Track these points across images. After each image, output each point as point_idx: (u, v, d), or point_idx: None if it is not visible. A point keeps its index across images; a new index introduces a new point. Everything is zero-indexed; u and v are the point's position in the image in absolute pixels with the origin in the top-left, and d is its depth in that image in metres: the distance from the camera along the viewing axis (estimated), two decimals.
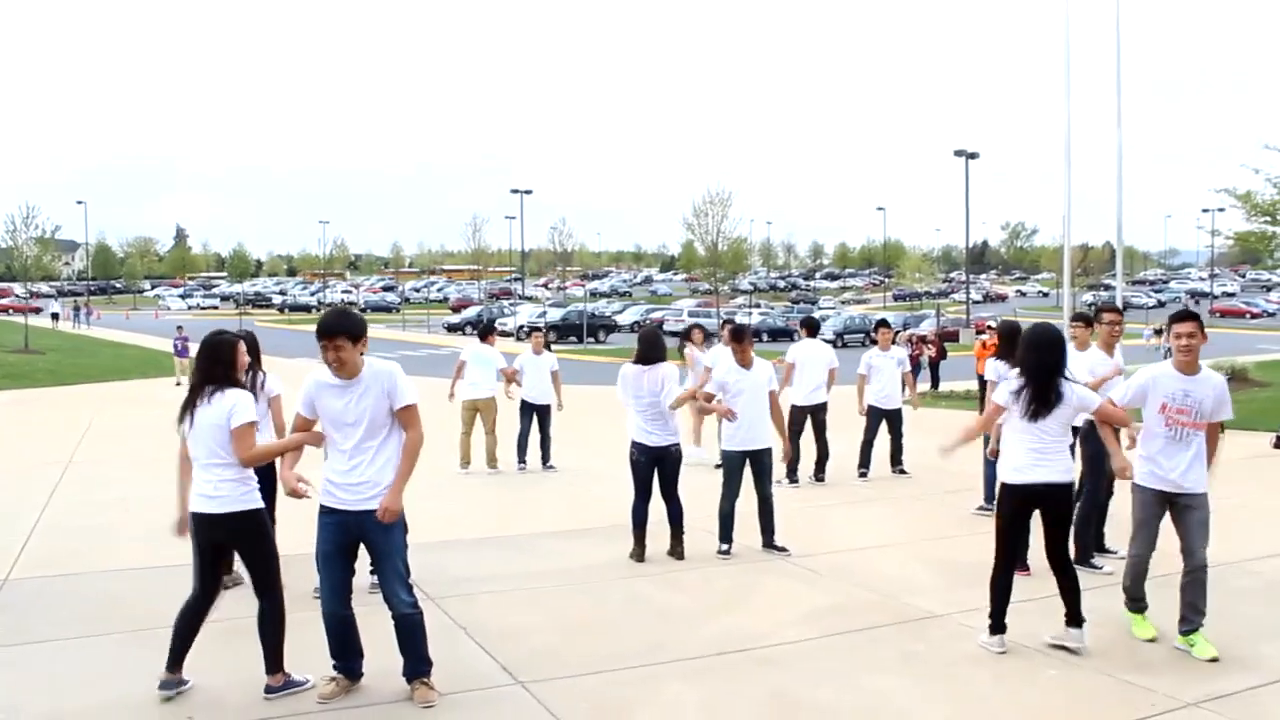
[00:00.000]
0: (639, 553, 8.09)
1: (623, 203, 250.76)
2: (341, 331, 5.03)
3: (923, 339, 29.98)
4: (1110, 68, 18.22)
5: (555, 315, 55.02)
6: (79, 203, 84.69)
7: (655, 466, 8.07)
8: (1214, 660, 5.67)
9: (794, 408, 11.40)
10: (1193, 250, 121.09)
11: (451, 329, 55.79)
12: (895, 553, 8.35)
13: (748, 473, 8.22)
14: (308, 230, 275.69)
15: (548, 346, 14.03)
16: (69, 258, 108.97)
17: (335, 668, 5.26)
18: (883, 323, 13.33)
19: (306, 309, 79.48)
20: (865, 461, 11.95)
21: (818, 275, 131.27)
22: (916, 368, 26.36)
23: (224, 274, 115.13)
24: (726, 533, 8.25)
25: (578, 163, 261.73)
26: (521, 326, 53.29)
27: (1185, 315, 6.01)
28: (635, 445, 8.09)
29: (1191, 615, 5.87)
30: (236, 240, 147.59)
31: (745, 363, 8.19)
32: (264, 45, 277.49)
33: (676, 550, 8.15)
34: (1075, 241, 32.37)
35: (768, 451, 8.27)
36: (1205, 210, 52.91)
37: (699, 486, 8.93)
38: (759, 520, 8.34)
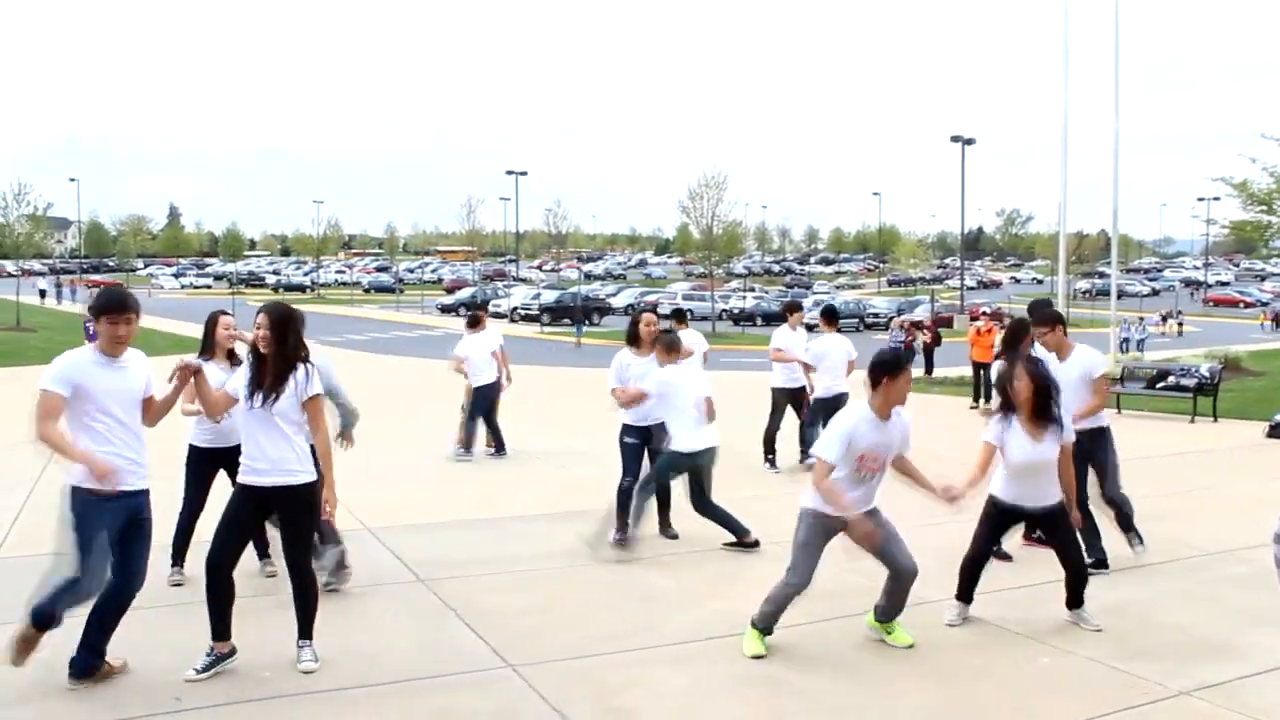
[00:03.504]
0: (621, 534, 8.10)
1: (618, 185, 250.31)
2: (132, 309, 5.05)
3: (917, 325, 29.99)
4: (1108, 53, 18.14)
5: (549, 297, 54.90)
6: (71, 180, 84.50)
7: (646, 446, 8.11)
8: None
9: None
10: (1188, 239, 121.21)
11: (445, 310, 55.74)
12: None
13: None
14: (301, 210, 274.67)
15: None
16: (61, 235, 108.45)
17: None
18: (795, 305, 12.43)
19: (301, 289, 79.31)
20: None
21: (812, 260, 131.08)
22: (910, 353, 26.42)
23: (217, 254, 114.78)
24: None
25: (574, 145, 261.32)
26: (515, 309, 53.33)
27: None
28: (626, 427, 8.11)
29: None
30: (230, 219, 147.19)
31: None
32: (256, 24, 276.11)
33: (667, 531, 8.23)
34: (1070, 228, 32.34)
35: None
36: (1201, 199, 52.85)
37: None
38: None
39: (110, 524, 4.95)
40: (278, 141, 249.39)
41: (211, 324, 6.75)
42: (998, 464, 6.07)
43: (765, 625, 5.72)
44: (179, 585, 6.66)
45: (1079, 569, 6.09)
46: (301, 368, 5.25)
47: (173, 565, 6.80)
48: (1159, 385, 17.20)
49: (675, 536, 8.18)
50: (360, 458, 8.72)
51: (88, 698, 4.96)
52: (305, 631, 5.37)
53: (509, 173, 70.57)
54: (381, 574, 7.22)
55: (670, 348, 7.86)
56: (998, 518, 6.21)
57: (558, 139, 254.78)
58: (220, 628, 5.24)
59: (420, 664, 5.48)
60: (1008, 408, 6.04)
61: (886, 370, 5.54)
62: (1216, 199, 32.84)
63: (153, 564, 6.84)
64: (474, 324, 12.74)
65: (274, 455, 5.20)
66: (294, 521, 5.31)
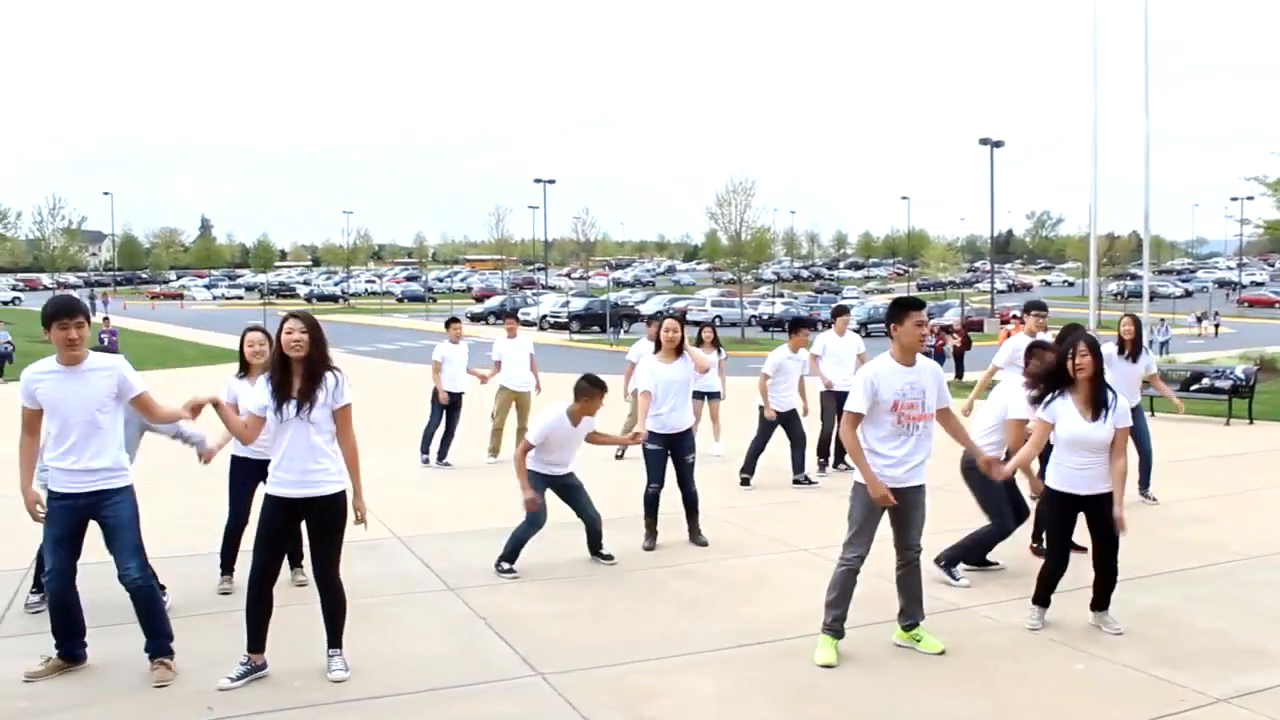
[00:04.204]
0: (650, 541, 8.15)
1: (646, 192, 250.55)
2: (81, 312, 5.14)
3: (947, 329, 29.81)
4: (1138, 51, 17.97)
5: (579, 305, 54.97)
6: (105, 194, 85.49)
7: (670, 452, 8.11)
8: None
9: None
10: (1220, 239, 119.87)
11: (475, 318, 56.02)
12: None
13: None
14: (330, 220, 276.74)
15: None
16: (95, 248, 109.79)
17: (56, 649, 5.35)
18: (841, 309, 12.81)
19: (333, 298, 79.84)
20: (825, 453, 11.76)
21: (841, 265, 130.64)
22: (940, 357, 26.28)
23: (248, 265, 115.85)
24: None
25: (602, 152, 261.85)
26: (544, 316, 53.48)
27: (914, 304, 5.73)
28: (650, 434, 8.10)
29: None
30: (261, 230, 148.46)
31: None
32: (287, 33, 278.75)
33: (697, 538, 8.23)
34: (1101, 230, 32.05)
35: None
36: (1234, 198, 52.26)
37: (709, 474, 8.87)
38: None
39: (61, 522, 5.18)
40: (305, 150, 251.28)
41: (242, 342, 6.77)
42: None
43: (836, 626, 5.69)
44: (227, 594, 6.70)
45: (1110, 572, 6.00)
46: (331, 375, 5.23)
47: (221, 574, 6.84)
48: (1193, 387, 17.00)
49: (705, 544, 8.16)
50: (389, 467, 8.84)
51: (122, 706, 5.00)
52: (335, 640, 5.38)
53: (537, 180, 70.69)
54: (411, 583, 7.25)
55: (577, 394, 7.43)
56: (1061, 511, 6.05)
57: (585, 146, 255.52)
58: (256, 640, 5.27)
59: (450, 672, 5.48)
60: (1056, 382, 6.00)
61: (891, 317, 5.64)
62: (1250, 198, 32.51)
63: (201, 574, 6.95)
64: (448, 324, 13.06)
65: (303, 465, 5.19)
66: (323, 531, 5.31)
